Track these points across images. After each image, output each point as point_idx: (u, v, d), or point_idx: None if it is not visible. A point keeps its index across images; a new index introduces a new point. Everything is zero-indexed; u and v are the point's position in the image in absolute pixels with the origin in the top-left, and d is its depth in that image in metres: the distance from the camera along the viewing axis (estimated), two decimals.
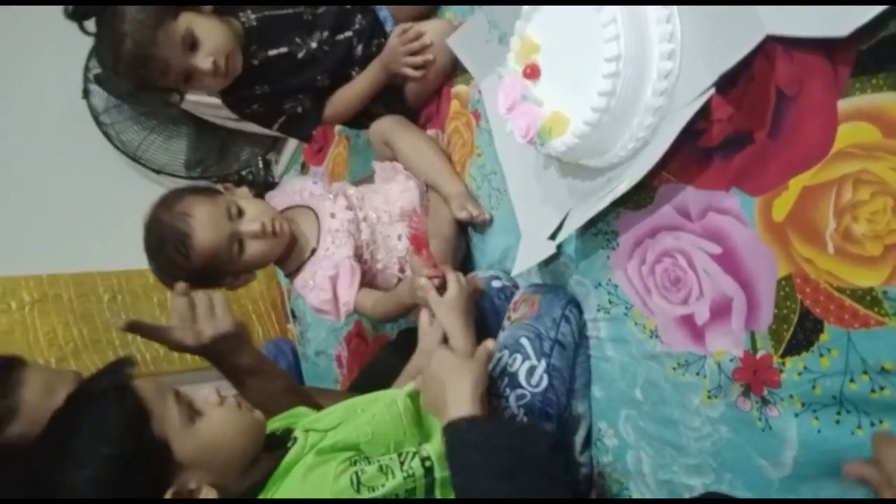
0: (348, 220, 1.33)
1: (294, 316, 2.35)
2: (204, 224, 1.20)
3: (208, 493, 0.83)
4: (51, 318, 2.15)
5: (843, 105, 0.70)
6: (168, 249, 1.20)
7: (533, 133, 0.95)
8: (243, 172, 2.60)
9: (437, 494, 0.83)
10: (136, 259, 2.25)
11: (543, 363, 1.01)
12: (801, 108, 0.74)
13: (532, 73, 0.97)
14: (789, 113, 0.75)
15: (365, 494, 0.81)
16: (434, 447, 0.87)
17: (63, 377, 0.99)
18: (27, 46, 2.47)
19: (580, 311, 1.06)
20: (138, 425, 0.79)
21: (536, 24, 0.97)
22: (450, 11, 1.40)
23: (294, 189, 1.46)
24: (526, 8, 0.97)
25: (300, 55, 1.41)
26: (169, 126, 2.54)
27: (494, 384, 1.01)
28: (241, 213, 1.25)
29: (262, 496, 0.87)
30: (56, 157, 2.43)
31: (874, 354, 0.69)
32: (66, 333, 2.15)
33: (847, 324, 0.71)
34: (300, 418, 1.05)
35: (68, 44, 2.36)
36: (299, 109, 1.47)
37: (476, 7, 1.26)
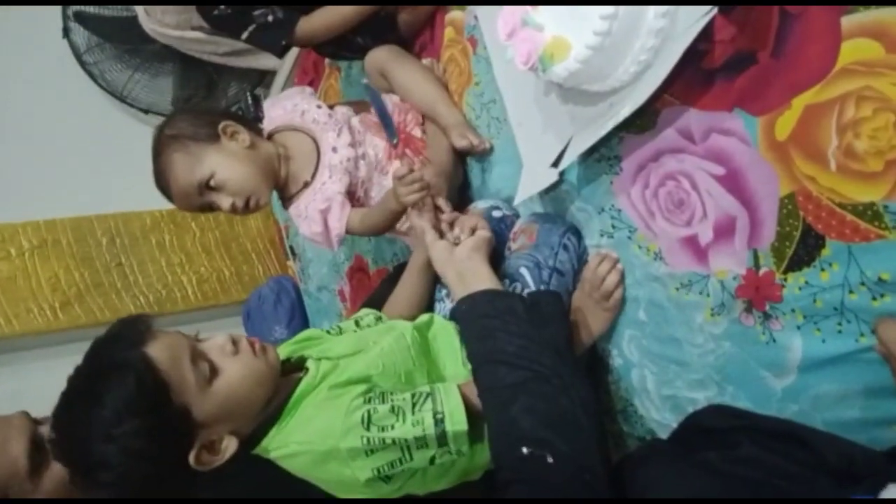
0: (348, 157, 1.32)
1: (294, 253, 2.37)
2: (177, 191, 1.25)
3: (229, 442, 0.87)
4: (51, 264, 2.16)
5: (847, 22, 0.71)
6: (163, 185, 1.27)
7: (534, 59, 0.95)
8: (232, 108, 2.56)
9: (451, 446, 0.85)
10: (132, 201, 2.27)
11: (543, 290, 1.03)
12: (804, 26, 0.74)
13: None
14: (792, 32, 0.75)
15: (374, 433, 0.84)
16: (449, 398, 0.88)
17: (12, 424, 0.99)
18: None
19: (579, 239, 1.08)
20: (158, 398, 0.81)
21: None
22: None
23: (296, 106, 1.41)
24: None
25: None
26: (154, 63, 2.49)
27: None
28: (219, 185, 1.25)
29: (274, 429, 0.90)
30: (41, 102, 2.38)
31: (872, 267, 0.71)
32: (67, 278, 2.17)
33: (848, 238, 0.73)
34: (311, 345, 1.07)
35: None
36: (270, 18, 1.43)
37: None
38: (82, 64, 2.36)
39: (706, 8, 0.81)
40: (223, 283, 2.43)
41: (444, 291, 1.18)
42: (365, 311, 1.18)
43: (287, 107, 1.40)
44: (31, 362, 2.13)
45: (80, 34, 2.38)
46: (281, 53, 1.56)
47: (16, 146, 2.34)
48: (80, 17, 2.37)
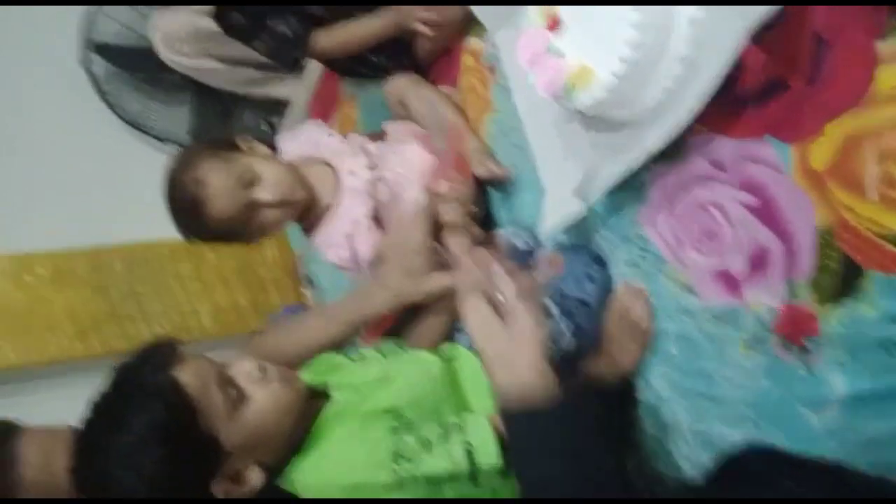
0: (367, 179, 1.31)
1: (310, 282, 2.35)
2: (217, 193, 1.19)
3: (254, 473, 0.85)
4: (68, 293, 2.15)
5: (883, 47, 0.68)
6: (186, 212, 1.21)
7: (557, 87, 0.93)
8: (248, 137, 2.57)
9: (481, 480, 0.82)
10: (149, 230, 2.27)
11: (568, 324, 1.01)
12: (838, 52, 0.72)
13: (554, 24, 0.94)
14: (826, 58, 0.73)
15: (404, 467, 0.82)
16: (479, 430, 0.85)
17: (58, 438, 0.96)
18: (25, 14, 2.44)
19: (603, 269, 1.05)
20: (186, 424, 0.79)
21: None
22: None
23: (310, 139, 1.42)
24: None
25: None
26: (171, 92, 2.51)
27: None
28: (257, 178, 1.23)
29: (298, 458, 0.87)
30: (60, 131, 2.40)
31: None
32: (84, 307, 2.16)
33: (890, 269, 0.70)
34: (332, 371, 1.05)
35: (66, 12, 2.35)
36: (285, 29, 1.44)
37: None
38: (101, 93, 2.38)
39: (734, 36, 0.79)
40: (239, 312, 2.41)
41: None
42: (387, 343, 1.15)
43: (301, 139, 1.41)
44: (48, 391, 2.12)
45: (99, 64, 2.40)
46: (294, 67, 1.56)
47: (33, 174, 2.35)
48: (98, 48, 2.39)
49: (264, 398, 0.86)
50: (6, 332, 2.07)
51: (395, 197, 1.34)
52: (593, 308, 1.02)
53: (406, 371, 0.99)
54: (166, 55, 2.30)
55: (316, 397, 0.95)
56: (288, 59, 1.48)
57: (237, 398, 0.85)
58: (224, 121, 2.57)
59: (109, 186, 2.39)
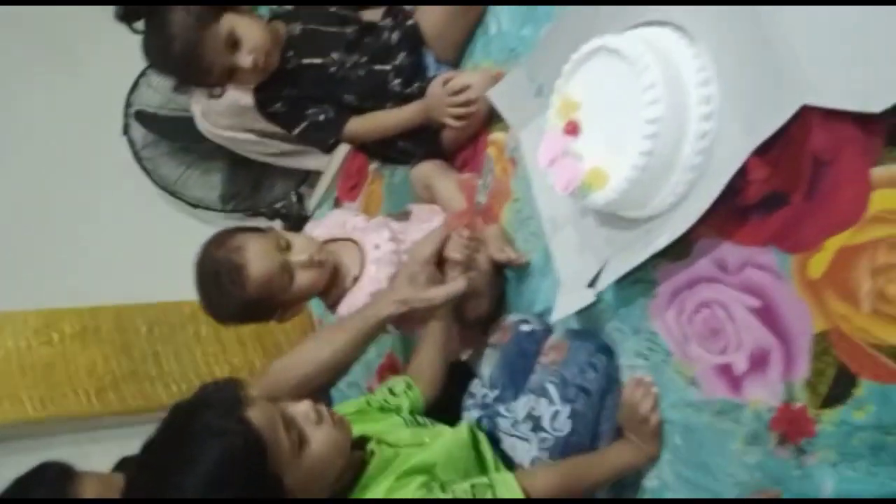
0: (391, 250, 1.37)
1: None
2: (257, 255, 1.25)
3: None
4: (91, 350, 2.21)
5: (877, 173, 0.74)
6: (224, 281, 1.25)
7: (574, 187, 1.00)
8: (277, 206, 2.66)
9: None
10: (173, 291, 2.33)
11: (567, 408, 1.05)
12: (835, 173, 0.78)
13: (572, 129, 1.01)
14: (824, 178, 0.79)
15: None
16: (509, 490, 0.91)
17: (113, 486, 0.95)
18: (71, 79, 2.58)
19: (609, 358, 1.10)
20: (258, 465, 0.79)
21: (577, 82, 1.02)
22: (487, 61, 1.45)
23: (336, 222, 1.51)
24: (566, 67, 1.02)
25: (332, 70, 1.49)
26: (205, 160, 2.63)
27: (519, 427, 1.07)
28: (289, 245, 1.30)
29: None
30: (97, 192, 2.51)
31: None
32: (105, 365, 2.21)
33: (882, 379, 0.74)
34: (360, 419, 1.08)
35: (111, 80, 2.49)
36: (321, 118, 1.53)
37: (513, 61, 1.32)
38: (138, 159, 2.50)
39: (740, 148, 0.86)
40: (255, 374, 2.45)
41: (469, 401, 1.22)
42: (395, 379, 1.22)
43: (328, 224, 1.50)
44: (62, 447, 2.15)
45: (139, 131, 2.53)
46: (328, 150, 1.65)
47: (66, 233, 2.46)
48: (139, 116, 2.52)
49: (323, 440, 0.88)
50: (27, 387, 2.11)
51: None
52: (593, 396, 1.06)
53: (440, 435, 1.04)
54: (204, 126, 2.42)
55: (354, 447, 0.98)
56: (324, 144, 1.58)
57: (299, 440, 0.85)
58: (255, 189, 2.67)
59: (139, 247, 2.49)
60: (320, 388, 1.20)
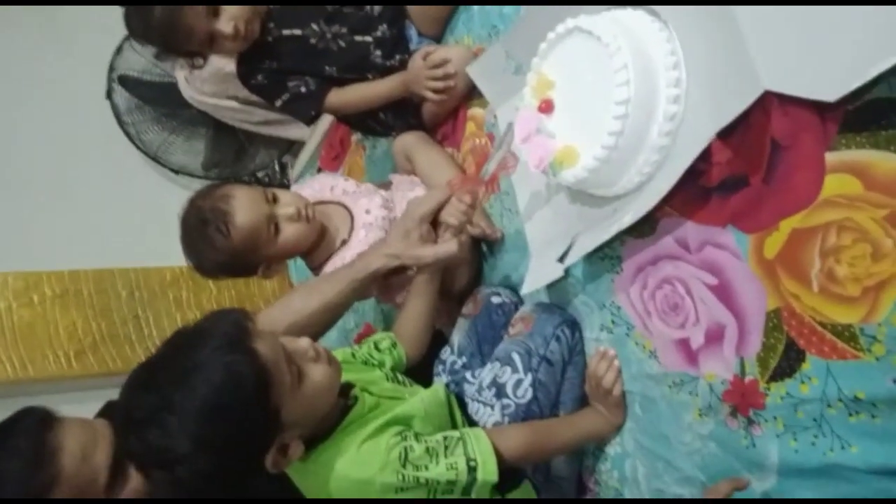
0: (382, 216, 1.39)
1: None
2: (244, 204, 1.26)
3: (297, 446, 0.89)
4: (71, 313, 2.23)
5: (831, 157, 0.77)
6: (209, 230, 1.25)
7: (545, 164, 1.03)
8: (259, 174, 2.67)
9: (474, 496, 0.91)
10: (154, 256, 2.35)
11: (530, 377, 1.09)
12: (793, 157, 0.81)
13: (546, 107, 1.04)
14: (782, 161, 0.82)
15: (409, 471, 0.90)
16: (481, 445, 0.95)
17: (97, 430, 0.94)
18: (53, 47, 2.56)
19: (573, 332, 1.14)
20: (259, 396, 0.80)
21: (552, 62, 1.04)
22: (468, 37, 1.47)
23: (324, 185, 1.51)
24: (543, 46, 1.04)
25: (312, 41, 1.49)
26: (188, 127, 2.62)
27: (483, 393, 1.11)
28: (276, 199, 1.32)
29: (324, 446, 0.93)
30: (79, 157, 2.51)
31: (849, 385, 0.76)
32: (84, 327, 2.23)
33: (827, 355, 0.78)
34: (347, 369, 1.08)
35: (94, 44, 2.47)
36: (303, 89, 1.53)
37: (494, 37, 1.34)
38: (121, 124, 2.49)
39: (705, 132, 0.89)
40: None
41: (439, 367, 1.27)
42: (381, 334, 1.24)
43: (315, 187, 1.50)
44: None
45: (122, 96, 2.52)
46: (310, 122, 1.67)
47: (48, 197, 2.46)
48: (123, 80, 2.51)
49: (320, 376, 0.90)
50: (7, 348, 2.14)
51: None
52: (556, 366, 1.10)
53: (418, 392, 1.08)
54: (188, 93, 2.42)
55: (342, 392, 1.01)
56: (305, 115, 1.58)
57: (298, 374, 0.87)
58: (237, 157, 2.68)
59: (121, 212, 2.50)
60: None
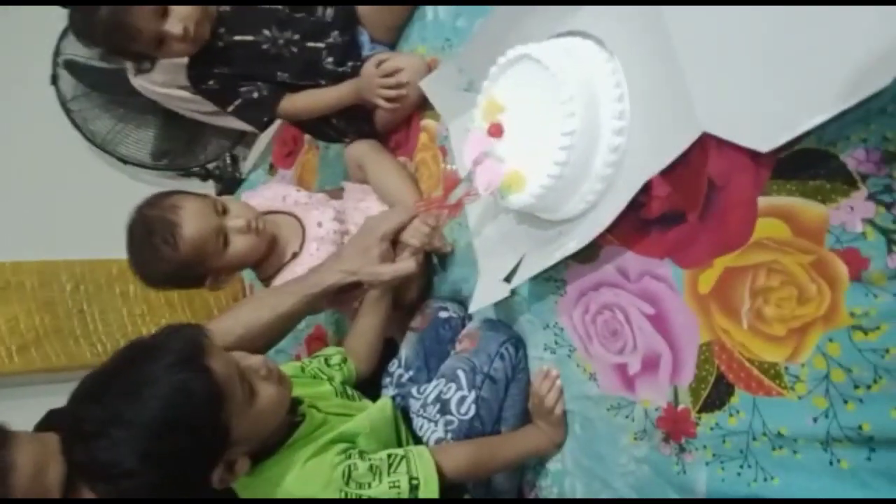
0: (334, 230, 1.39)
1: None
2: (192, 215, 1.24)
3: (244, 462, 0.89)
4: (13, 306, 2.17)
5: (763, 201, 0.80)
6: (156, 240, 1.23)
7: (494, 187, 1.04)
8: (210, 166, 2.63)
9: None
10: (100, 249, 2.30)
11: (473, 394, 1.11)
12: (727, 197, 0.84)
13: (496, 132, 1.05)
14: (717, 200, 0.85)
15: (353, 489, 0.92)
16: (424, 464, 0.98)
17: (48, 446, 0.92)
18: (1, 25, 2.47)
19: (517, 349, 1.16)
20: (211, 413, 0.80)
21: (502, 85, 1.05)
22: (422, 47, 1.47)
23: (275, 194, 1.51)
24: (493, 69, 1.05)
25: (264, 47, 1.47)
26: (137, 115, 2.57)
27: (428, 409, 1.13)
28: (225, 210, 1.30)
29: (270, 462, 0.94)
30: (22, 144, 2.43)
31: (773, 420, 0.80)
32: (27, 321, 2.18)
33: (754, 391, 0.82)
34: (296, 383, 1.08)
35: (37, 28, 2.39)
36: (255, 95, 1.51)
37: (448, 50, 1.35)
38: (67, 111, 2.42)
39: (648, 165, 0.91)
40: None
41: (387, 379, 1.28)
42: (331, 349, 1.25)
43: (267, 195, 1.49)
44: None
45: (68, 82, 2.45)
46: (263, 128, 1.65)
47: None
48: (69, 66, 2.44)
49: (270, 395, 0.90)
50: None
51: None
52: (499, 384, 1.12)
53: (365, 408, 1.10)
54: (137, 81, 2.36)
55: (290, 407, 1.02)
56: (258, 121, 1.56)
57: (250, 391, 0.88)
58: (188, 147, 2.63)
59: (66, 203, 2.43)
60: (254, 352, 1.21)
